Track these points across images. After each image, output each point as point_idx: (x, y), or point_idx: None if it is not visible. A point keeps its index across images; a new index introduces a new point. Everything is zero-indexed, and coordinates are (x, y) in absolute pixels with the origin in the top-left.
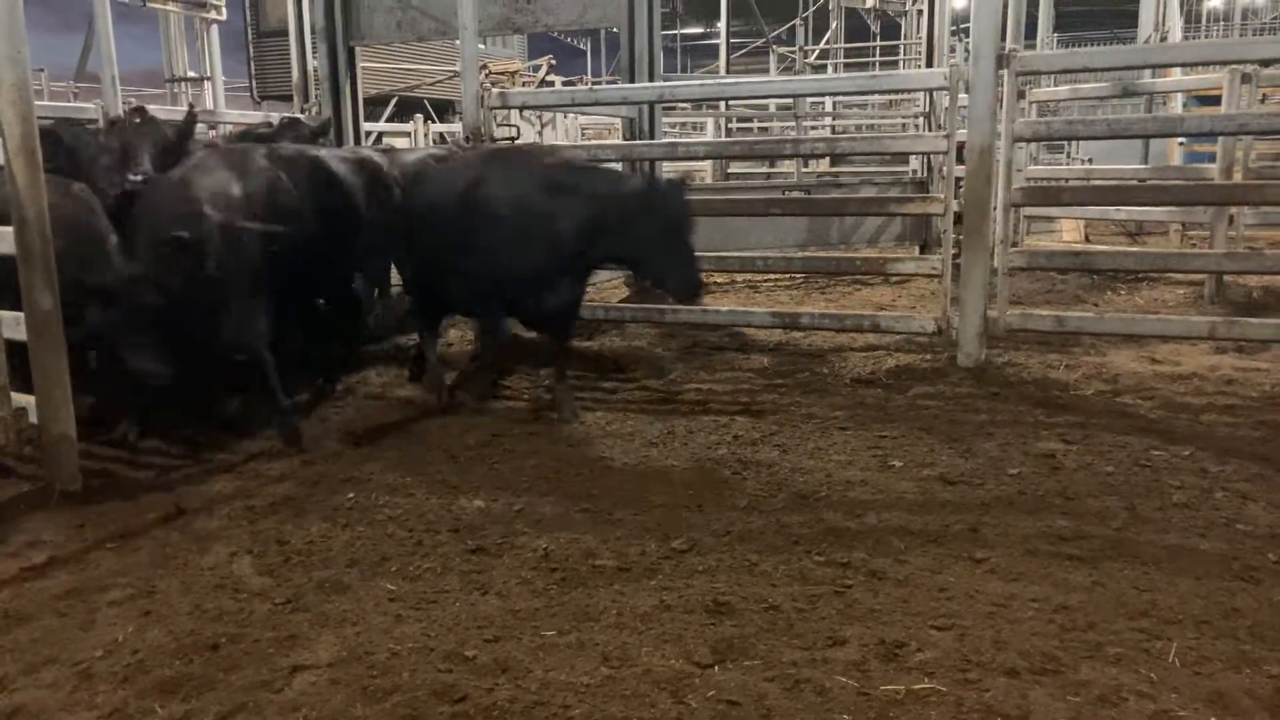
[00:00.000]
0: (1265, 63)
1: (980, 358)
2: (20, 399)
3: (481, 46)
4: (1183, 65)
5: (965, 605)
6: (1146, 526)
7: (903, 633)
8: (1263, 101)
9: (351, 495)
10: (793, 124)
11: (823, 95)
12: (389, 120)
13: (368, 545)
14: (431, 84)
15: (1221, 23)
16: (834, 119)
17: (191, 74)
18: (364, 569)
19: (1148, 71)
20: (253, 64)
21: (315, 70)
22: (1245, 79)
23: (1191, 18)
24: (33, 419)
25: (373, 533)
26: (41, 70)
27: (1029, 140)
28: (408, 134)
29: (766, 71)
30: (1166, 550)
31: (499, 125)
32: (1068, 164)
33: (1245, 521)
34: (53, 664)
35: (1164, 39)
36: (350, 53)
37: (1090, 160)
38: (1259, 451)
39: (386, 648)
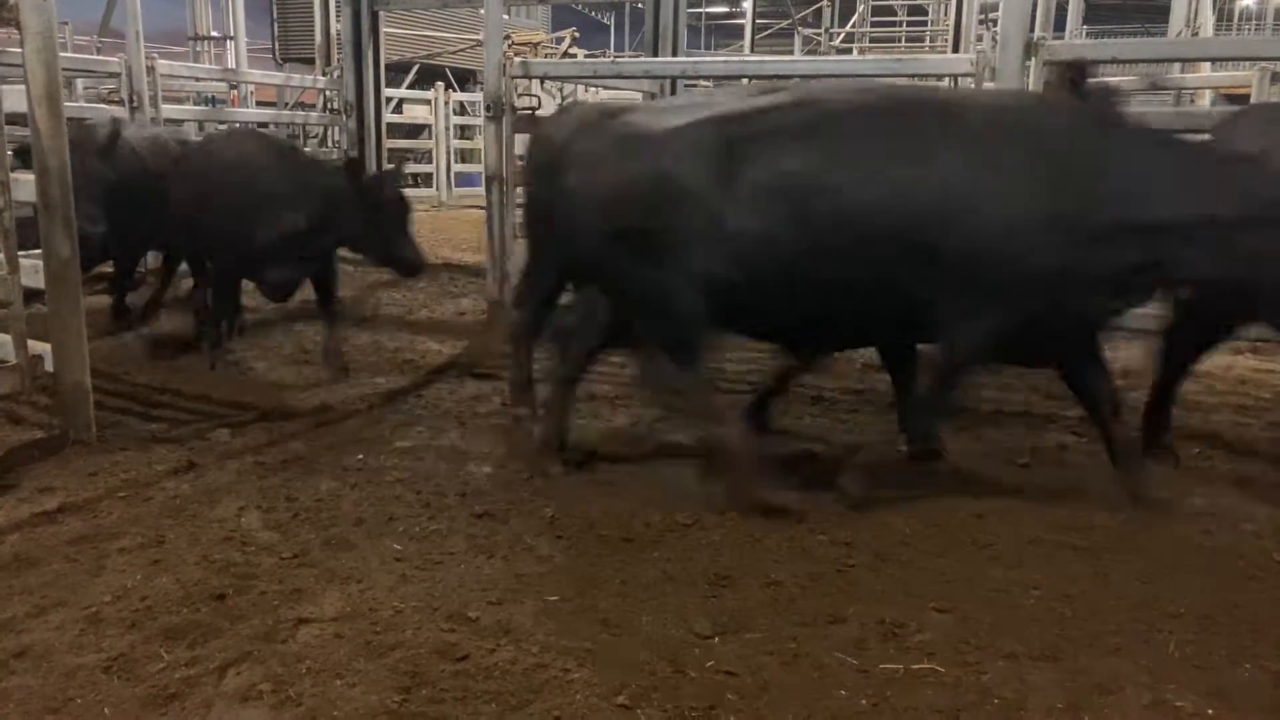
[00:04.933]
0: None
1: None
2: (37, 346)
3: (505, 17)
4: (1213, 60)
5: (967, 589)
6: (1151, 519)
7: (903, 613)
8: None
9: (361, 456)
10: None
11: (846, 77)
12: (410, 87)
13: (375, 505)
14: (454, 52)
15: (1254, 22)
16: None
17: (215, 33)
18: (371, 528)
19: (1176, 68)
20: (276, 25)
21: (338, 34)
22: (1275, 77)
23: (1224, 15)
24: (49, 367)
25: (381, 493)
26: (66, 23)
27: None
28: (428, 101)
29: (791, 53)
30: (1171, 544)
31: (520, 95)
32: None
33: (1252, 520)
34: (61, 607)
35: (1195, 35)
36: (374, 17)
37: None
38: (1269, 451)
39: (391, 605)
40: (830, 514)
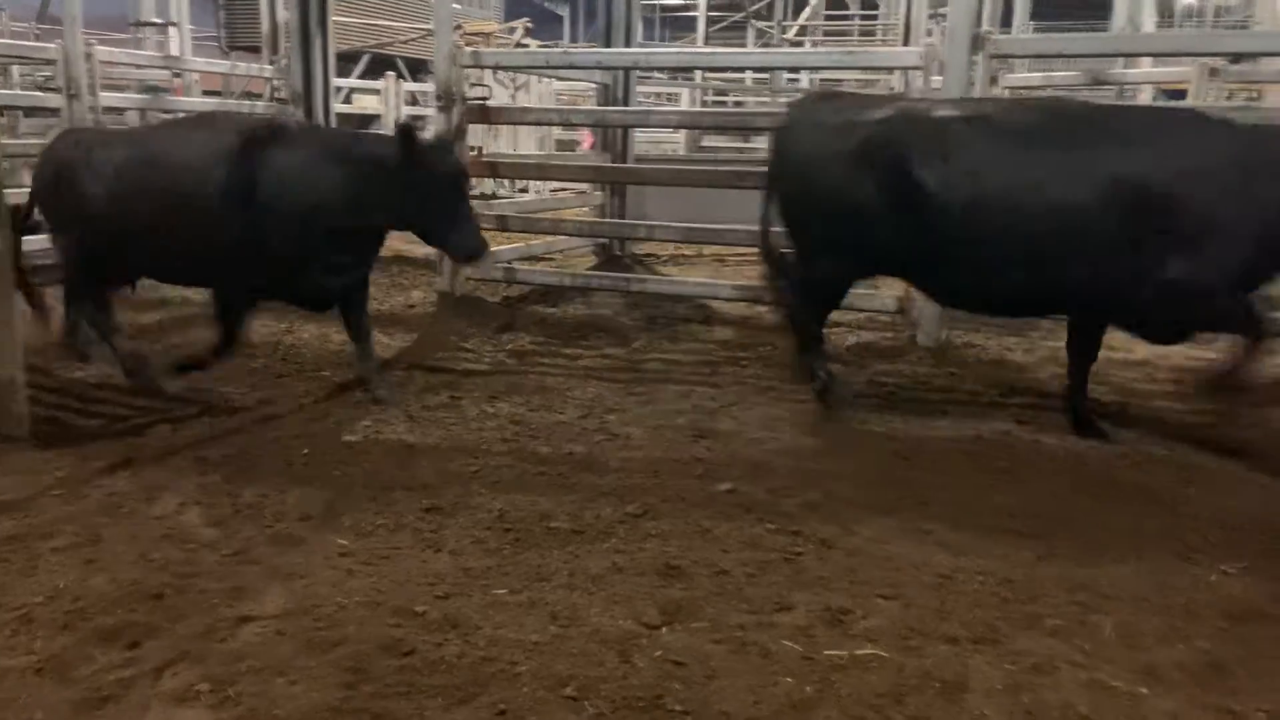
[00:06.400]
0: (1236, 58)
1: (940, 338)
2: None
3: (457, 6)
4: (1157, 55)
5: (911, 576)
6: (1092, 505)
7: (849, 600)
8: (1229, 99)
9: (306, 451)
10: (768, 98)
11: (797, 69)
12: (361, 77)
13: (321, 501)
14: (405, 42)
15: (1194, 19)
16: None
17: (157, 20)
18: (315, 524)
19: (1119, 64)
20: (221, 13)
21: (285, 21)
22: (1213, 73)
23: (1165, 12)
24: None
25: (326, 489)
26: (2, 10)
27: None
28: (378, 91)
29: (744, 46)
30: (1109, 528)
31: (471, 85)
32: None
33: (1185, 503)
34: None
35: (1137, 31)
36: (322, 4)
37: None
38: (1202, 437)
39: (335, 601)
40: (779, 504)
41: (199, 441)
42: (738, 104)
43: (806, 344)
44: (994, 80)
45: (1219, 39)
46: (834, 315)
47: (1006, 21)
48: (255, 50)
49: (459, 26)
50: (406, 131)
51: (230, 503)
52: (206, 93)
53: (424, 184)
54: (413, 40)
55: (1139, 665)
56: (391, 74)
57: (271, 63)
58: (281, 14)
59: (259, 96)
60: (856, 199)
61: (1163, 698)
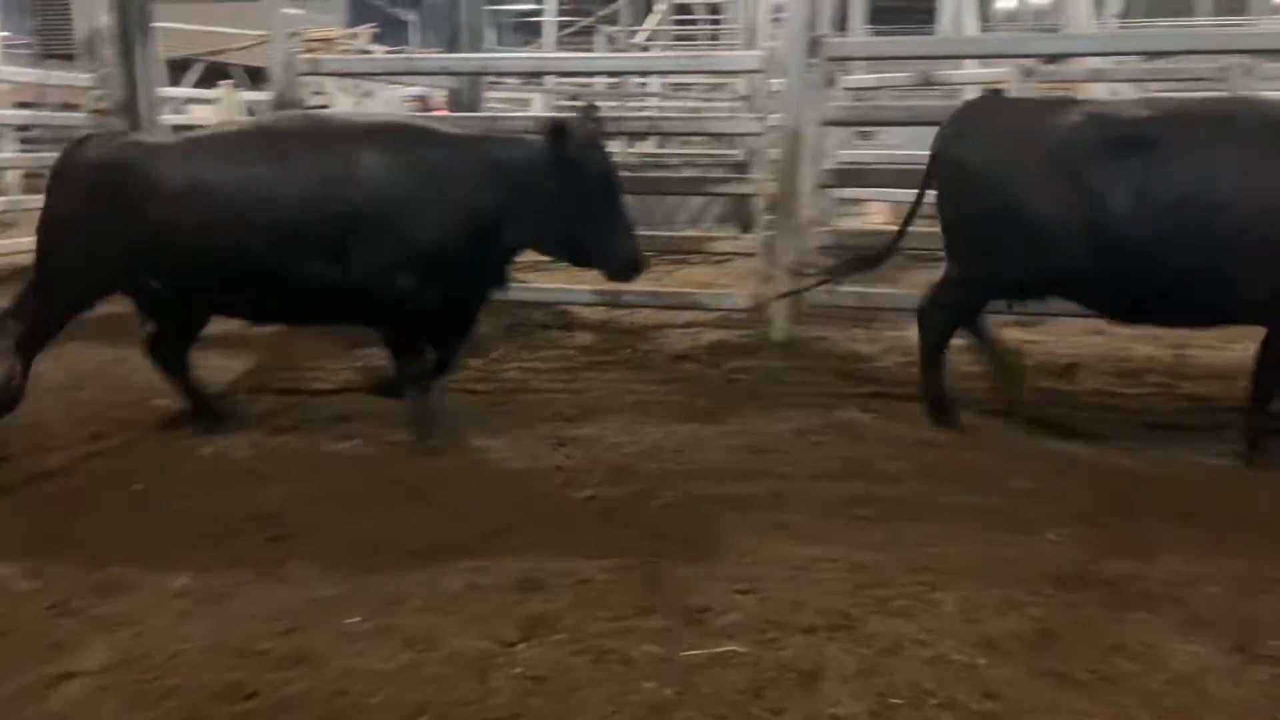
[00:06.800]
0: (1050, 59)
1: (790, 332)
2: None
3: (298, 11)
4: (980, 57)
5: (767, 569)
6: (932, 487)
7: (708, 598)
8: None
9: (141, 486)
10: (619, 104)
11: (645, 73)
12: (199, 85)
13: (156, 538)
14: (240, 49)
15: (1017, 22)
16: (661, 100)
17: None
18: (148, 564)
19: (947, 66)
20: (34, 18)
21: (104, 27)
22: (1027, 74)
23: (986, 17)
24: None
25: (162, 525)
26: None
27: (838, 124)
28: (211, 101)
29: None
30: (948, 508)
31: (312, 94)
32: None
33: (1014, 478)
34: None
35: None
36: (143, 8)
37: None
38: (1029, 415)
39: (168, 649)
40: (640, 507)
41: (19, 483)
42: None
43: (936, 350)
44: (831, 82)
45: (1036, 41)
46: (691, 315)
47: (844, 25)
48: (71, 58)
49: (296, 33)
50: (559, 130)
51: (51, 549)
52: (19, 104)
53: (575, 191)
54: (248, 48)
55: (978, 637)
56: (229, 82)
57: (91, 71)
58: (100, 19)
59: (76, 108)
60: (1043, 205)
61: (999, 667)
